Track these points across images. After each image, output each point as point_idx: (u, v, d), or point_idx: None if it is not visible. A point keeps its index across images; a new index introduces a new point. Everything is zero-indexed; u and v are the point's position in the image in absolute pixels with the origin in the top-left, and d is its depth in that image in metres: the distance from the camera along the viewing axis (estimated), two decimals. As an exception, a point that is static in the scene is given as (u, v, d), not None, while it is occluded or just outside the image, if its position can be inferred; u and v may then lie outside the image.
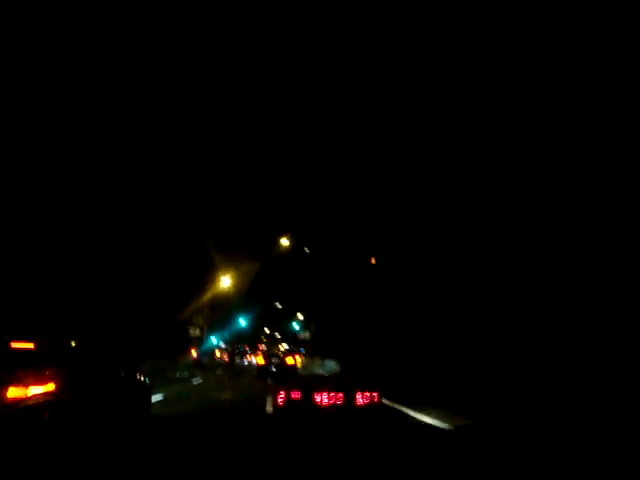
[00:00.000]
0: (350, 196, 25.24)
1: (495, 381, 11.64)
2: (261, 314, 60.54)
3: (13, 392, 5.80)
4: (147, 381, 10.24)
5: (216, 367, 37.63)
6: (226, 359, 41.49)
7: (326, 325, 41.84)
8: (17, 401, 5.69)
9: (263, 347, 61.79)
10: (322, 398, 4.80)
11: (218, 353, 54.56)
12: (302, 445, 4.79)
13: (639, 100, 10.63)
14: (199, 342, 42.90)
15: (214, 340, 48.68)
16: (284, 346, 60.23)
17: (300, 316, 56.57)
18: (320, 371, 29.44)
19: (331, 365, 32.04)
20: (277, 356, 33.02)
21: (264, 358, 33.13)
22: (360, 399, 4.84)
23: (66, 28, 17.42)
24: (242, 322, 44.91)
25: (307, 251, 44.11)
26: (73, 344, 7.67)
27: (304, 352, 41.13)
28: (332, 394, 4.87)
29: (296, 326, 50.99)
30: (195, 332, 37.80)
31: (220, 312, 45.37)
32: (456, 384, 13.20)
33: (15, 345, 6.89)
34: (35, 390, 5.88)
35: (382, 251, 26.22)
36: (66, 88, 19.43)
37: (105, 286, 25.27)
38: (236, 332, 48.58)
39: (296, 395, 4.93)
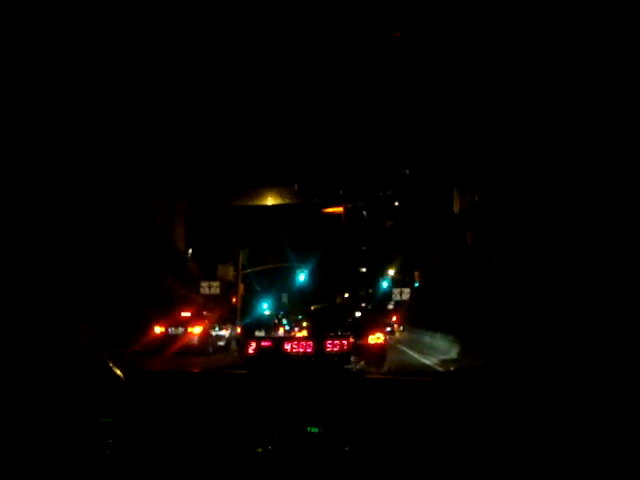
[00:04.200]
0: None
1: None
2: (339, 279, 46.30)
3: (193, 330, 17.48)
4: None
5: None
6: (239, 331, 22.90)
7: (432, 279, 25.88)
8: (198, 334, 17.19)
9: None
10: (292, 346, 4.79)
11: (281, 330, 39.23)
12: (268, 389, 4.10)
13: None
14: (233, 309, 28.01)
15: (265, 307, 33.74)
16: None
17: (391, 272, 40.90)
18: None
19: (442, 343, 18.83)
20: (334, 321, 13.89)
21: (311, 327, 14.70)
22: (329, 346, 4.77)
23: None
24: (301, 277, 29.24)
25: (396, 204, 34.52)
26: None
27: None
28: (302, 343, 4.85)
29: (386, 284, 34.70)
30: (211, 289, 22.69)
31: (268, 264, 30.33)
32: None
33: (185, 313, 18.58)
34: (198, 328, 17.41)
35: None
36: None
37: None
38: (296, 293, 33.78)
39: (267, 343, 4.82)
